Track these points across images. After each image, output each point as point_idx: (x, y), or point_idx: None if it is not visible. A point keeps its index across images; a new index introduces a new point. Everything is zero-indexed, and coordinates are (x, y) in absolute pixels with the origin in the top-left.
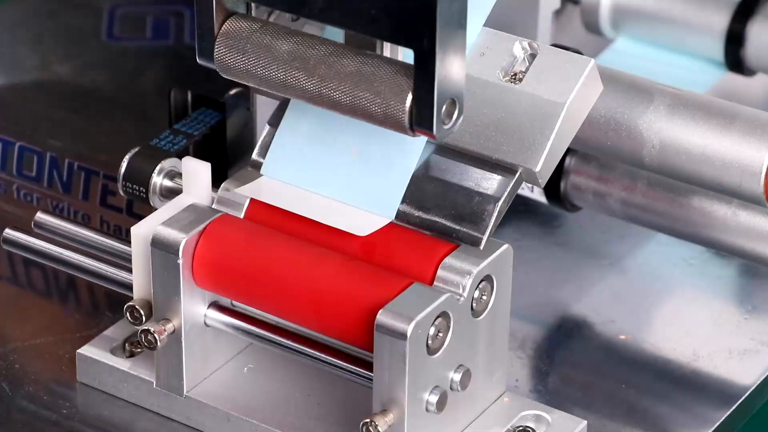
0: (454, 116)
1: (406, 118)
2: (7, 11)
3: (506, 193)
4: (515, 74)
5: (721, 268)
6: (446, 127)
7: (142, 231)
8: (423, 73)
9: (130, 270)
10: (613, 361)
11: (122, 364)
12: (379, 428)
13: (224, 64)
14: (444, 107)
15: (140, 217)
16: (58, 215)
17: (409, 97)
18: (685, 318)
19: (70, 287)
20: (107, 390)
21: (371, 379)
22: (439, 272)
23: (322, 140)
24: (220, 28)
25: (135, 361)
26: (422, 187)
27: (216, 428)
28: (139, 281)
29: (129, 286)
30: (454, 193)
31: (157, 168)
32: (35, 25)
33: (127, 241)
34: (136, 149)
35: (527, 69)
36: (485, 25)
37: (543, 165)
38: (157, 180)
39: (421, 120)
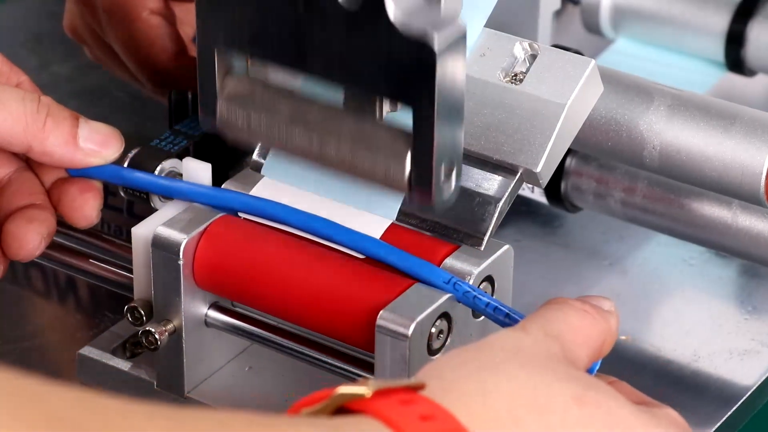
0: (453, 177)
1: (405, 179)
2: (7, 11)
3: (507, 194)
4: (516, 75)
5: (722, 268)
6: (445, 191)
7: (142, 232)
8: (422, 134)
9: (130, 271)
10: (613, 362)
11: (123, 364)
12: None
13: (227, 126)
14: (443, 168)
15: (140, 218)
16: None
17: (408, 158)
18: (685, 318)
19: (71, 288)
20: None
21: None
22: None
23: None
24: (222, 87)
25: (136, 362)
26: None
27: None
28: (140, 282)
29: (129, 287)
30: None
31: (158, 169)
32: (35, 25)
33: (127, 241)
34: (137, 150)
35: (528, 70)
36: (486, 25)
37: (544, 166)
38: None
39: (419, 181)
